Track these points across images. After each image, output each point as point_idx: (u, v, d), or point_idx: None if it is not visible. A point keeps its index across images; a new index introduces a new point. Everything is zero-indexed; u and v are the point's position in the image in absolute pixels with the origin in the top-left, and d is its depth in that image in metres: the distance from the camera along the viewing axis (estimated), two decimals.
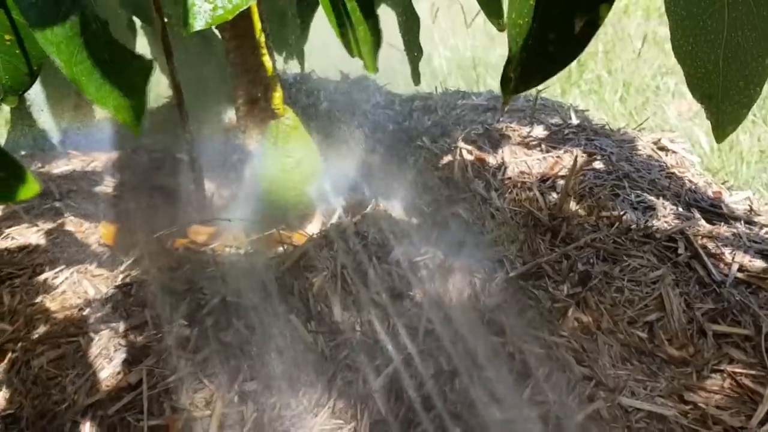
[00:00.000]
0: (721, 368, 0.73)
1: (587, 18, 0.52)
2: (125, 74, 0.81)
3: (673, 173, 1.10)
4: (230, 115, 1.65)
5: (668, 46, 0.66)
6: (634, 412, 0.69)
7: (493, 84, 2.31)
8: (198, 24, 0.67)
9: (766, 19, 0.61)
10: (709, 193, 1.05)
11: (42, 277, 1.02)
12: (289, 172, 1.03)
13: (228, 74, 1.43)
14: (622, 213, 0.95)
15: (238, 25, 1.22)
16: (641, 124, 1.33)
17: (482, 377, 0.75)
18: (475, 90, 2.00)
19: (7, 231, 1.14)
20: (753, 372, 0.72)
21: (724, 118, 0.66)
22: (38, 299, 0.97)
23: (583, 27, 0.53)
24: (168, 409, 0.78)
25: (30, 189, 0.38)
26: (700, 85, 0.66)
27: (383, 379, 0.76)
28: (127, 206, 1.29)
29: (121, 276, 0.98)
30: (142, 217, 1.26)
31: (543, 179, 1.05)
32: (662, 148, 1.21)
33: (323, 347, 0.82)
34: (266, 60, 0.96)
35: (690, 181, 1.08)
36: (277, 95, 1.01)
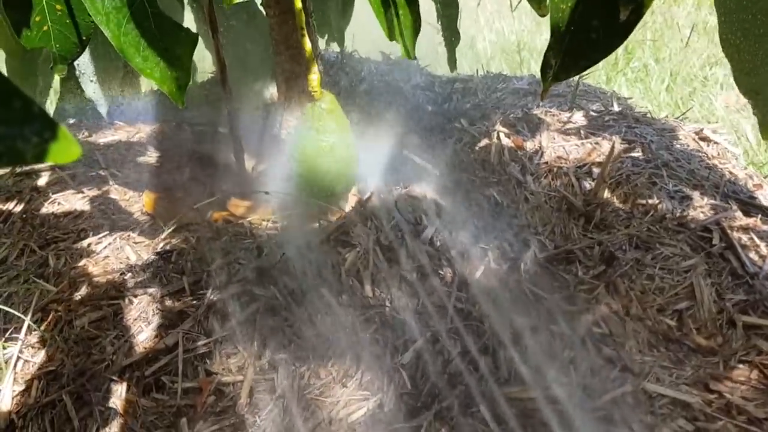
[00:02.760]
0: (749, 359, 0.72)
1: (633, 5, 0.51)
2: (170, 45, 0.83)
3: (713, 164, 1.09)
4: (272, 91, 1.67)
5: (718, 36, 0.65)
6: (658, 398, 0.69)
7: (537, 69, 2.29)
8: None
9: None
10: (750, 185, 1.04)
11: (86, 242, 1.05)
12: (324, 156, 1.03)
13: (271, 51, 1.45)
14: (657, 201, 0.95)
15: (283, 2, 1.24)
16: (685, 113, 1.31)
17: (507, 357, 0.76)
18: (518, 74, 2.00)
19: (54, 196, 1.18)
20: None
21: None
22: (81, 263, 1.01)
23: (628, 14, 0.52)
24: (202, 372, 0.80)
25: (71, 153, 0.40)
26: (747, 80, 0.65)
27: (411, 354, 0.78)
28: (170, 177, 1.33)
29: (161, 244, 1.01)
30: (183, 189, 1.29)
31: (580, 165, 1.05)
32: (704, 139, 1.19)
33: (354, 320, 0.83)
34: (306, 41, 0.97)
35: (730, 173, 1.07)
36: (315, 78, 1.01)
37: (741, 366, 0.72)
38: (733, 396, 0.69)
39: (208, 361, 0.81)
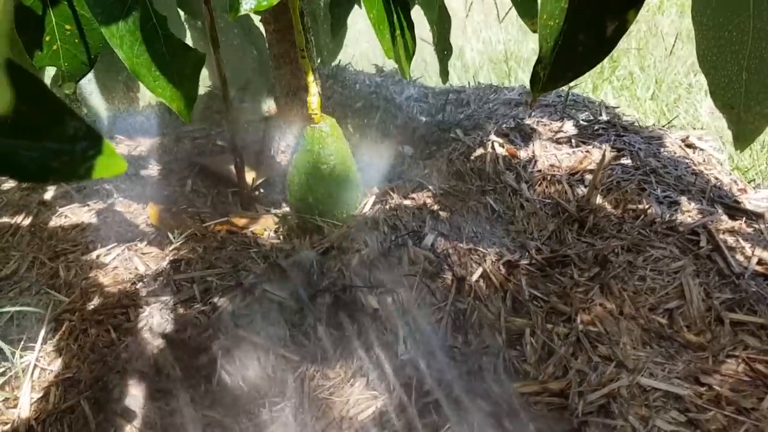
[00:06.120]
0: (736, 354, 0.77)
1: (617, 22, 0.56)
2: (179, 66, 0.87)
3: (699, 170, 1.14)
4: (269, 104, 1.71)
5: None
6: (651, 392, 0.73)
7: (525, 78, 2.34)
8: (244, 8, 0.72)
9: None
10: (734, 190, 1.09)
11: (95, 253, 1.08)
12: (324, 181, 1.06)
13: (269, 66, 1.49)
14: (647, 206, 0.99)
15: (281, 19, 1.28)
16: (671, 121, 1.36)
17: (506, 356, 0.80)
18: (506, 83, 2.04)
19: (61, 210, 1.21)
20: (766, 358, 0.75)
21: (746, 128, 0.69)
22: (92, 274, 1.04)
23: (612, 30, 0.57)
24: (216, 377, 0.84)
25: (117, 166, 0.43)
26: (722, 95, 0.69)
27: (408, 353, 0.82)
28: (172, 189, 1.36)
29: (170, 254, 1.05)
30: (186, 200, 1.32)
31: (572, 173, 1.09)
32: (690, 146, 1.24)
33: (357, 323, 0.87)
34: (306, 63, 1.00)
35: (716, 178, 1.12)
36: (315, 100, 1.01)
37: (729, 360, 0.76)
38: (722, 388, 0.73)
39: (219, 363, 0.84)
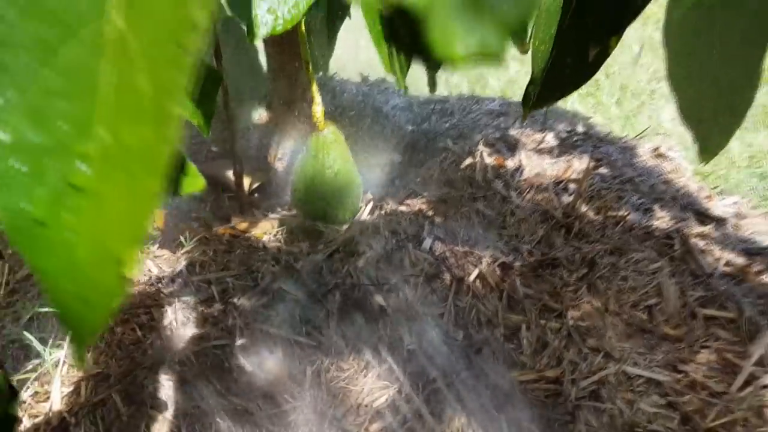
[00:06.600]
0: (709, 345, 0.87)
1: (599, 47, 0.65)
2: (200, 83, 0.94)
3: (670, 178, 1.25)
4: (260, 112, 1.77)
5: (663, 51, 0.77)
6: (635, 378, 0.83)
7: (494, 84, 2.42)
8: (262, 32, 0.79)
9: (748, 56, 0.73)
10: (702, 196, 1.20)
11: None
12: (327, 185, 1.13)
13: (261, 77, 1.56)
14: (626, 213, 1.09)
15: (279, 35, 1.35)
16: (641, 133, 1.47)
17: (504, 348, 0.89)
18: (477, 89, 2.13)
19: None
20: (735, 348, 0.86)
21: (710, 143, 0.78)
22: None
23: (595, 55, 0.66)
24: (236, 368, 0.91)
25: (198, 184, 0.50)
26: (689, 111, 0.77)
27: (414, 345, 0.90)
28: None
29: (183, 257, 1.11)
30: (186, 205, 1.38)
31: (557, 182, 1.19)
32: (660, 155, 1.35)
33: (366, 319, 0.95)
34: (311, 74, 1.06)
35: (685, 186, 1.23)
36: (319, 109, 1.08)
37: (702, 350, 0.86)
38: (697, 375, 0.83)
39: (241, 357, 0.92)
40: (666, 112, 2.29)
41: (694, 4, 0.77)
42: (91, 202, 0.23)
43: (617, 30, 0.67)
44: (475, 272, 1.01)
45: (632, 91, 2.51)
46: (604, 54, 0.67)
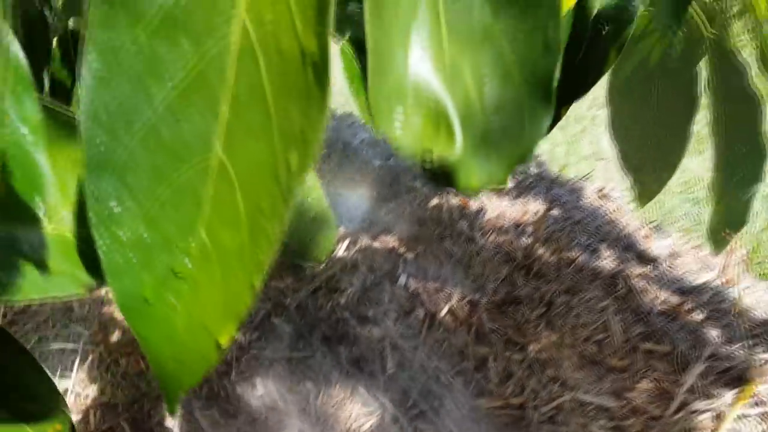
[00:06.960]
0: (648, 375, 1.02)
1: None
2: None
3: (613, 218, 1.40)
4: None
5: (604, 79, 0.85)
6: (587, 405, 0.97)
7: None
8: None
9: (676, 118, 0.84)
10: (641, 235, 1.35)
11: (103, 290, 1.22)
12: (302, 221, 1.23)
13: None
14: (577, 255, 1.24)
15: None
16: (588, 174, 1.63)
17: (474, 378, 1.02)
18: None
19: None
20: (670, 378, 1.01)
21: (647, 189, 0.89)
22: (104, 309, 1.19)
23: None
24: (235, 398, 1.01)
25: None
26: (628, 162, 0.88)
27: (394, 372, 1.02)
28: None
29: None
30: None
31: (516, 224, 1.33)
32: (604, 196, 1.50)
33: (350, 350, 1.07)
34: None
35: (626, 225, 1.38)
36: None
37: (643, 380, 1.01)
38: (638, 401, 0.97)
39: (237, 385, 1.02)
40: (606, 137, 2.43)
41: (634, 70, 0.89)
42: (191, 288, 0.33)
43: (569, 102, 0.79)
44: (446, 308, 1.14)
45: (574, 117, 2.67)
46: (556, 120, 0.79)
